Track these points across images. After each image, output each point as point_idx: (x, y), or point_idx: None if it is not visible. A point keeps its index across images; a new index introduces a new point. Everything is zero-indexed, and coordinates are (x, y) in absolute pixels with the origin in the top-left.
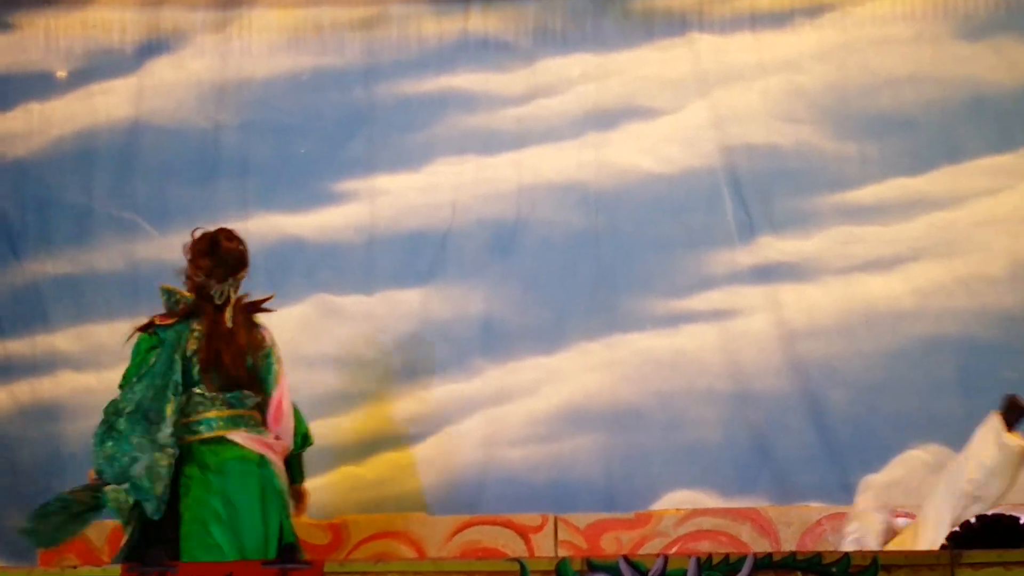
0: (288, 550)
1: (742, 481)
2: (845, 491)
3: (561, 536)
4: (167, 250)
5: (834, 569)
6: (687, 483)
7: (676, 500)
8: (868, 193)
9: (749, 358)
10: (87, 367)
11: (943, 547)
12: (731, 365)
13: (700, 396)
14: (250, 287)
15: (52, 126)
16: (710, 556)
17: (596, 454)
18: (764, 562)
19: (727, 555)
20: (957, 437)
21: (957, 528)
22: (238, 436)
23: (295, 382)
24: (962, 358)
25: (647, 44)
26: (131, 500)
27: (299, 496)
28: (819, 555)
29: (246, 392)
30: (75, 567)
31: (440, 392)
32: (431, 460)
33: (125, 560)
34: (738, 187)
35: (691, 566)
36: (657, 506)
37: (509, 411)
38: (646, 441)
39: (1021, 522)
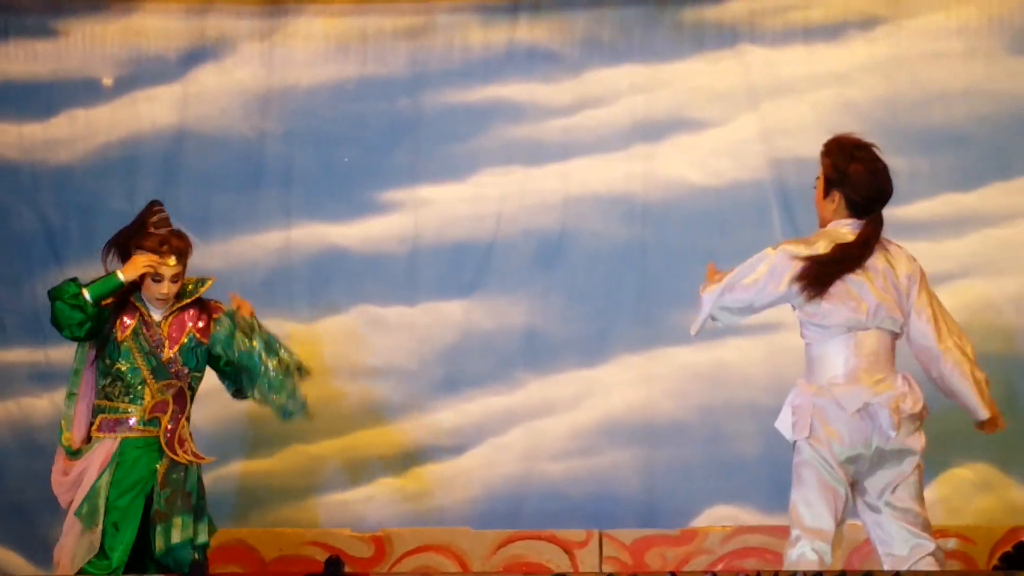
0: (332, 562)
1: (783, 497)
2: None
3: (606, 552)
4: (210, 258)
5: None
6: (728, 499)
7: (717, 516)
8: (918, 209)
9: (793, 373)
10: None
11: (995, 567)
12: (775, 379)
13: (742, 410)
14: (293, 297)
15: (96, 133)
16: (758, 573)
17: (637, 469)
18: None
19: (775, 573)
20: (1003, 456)
21: (1009, 549)
22: None
23: (336, 393)
24: (1008, 376)
25: (697, 56)
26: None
27: None
28: (869, 573)
29: None
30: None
31: (482, 404)
32: (472, 473)
33: None
34: (787, 201)
35: None
36: (698, 522)
37: (550, 424)
38: (687, 456)
39: None
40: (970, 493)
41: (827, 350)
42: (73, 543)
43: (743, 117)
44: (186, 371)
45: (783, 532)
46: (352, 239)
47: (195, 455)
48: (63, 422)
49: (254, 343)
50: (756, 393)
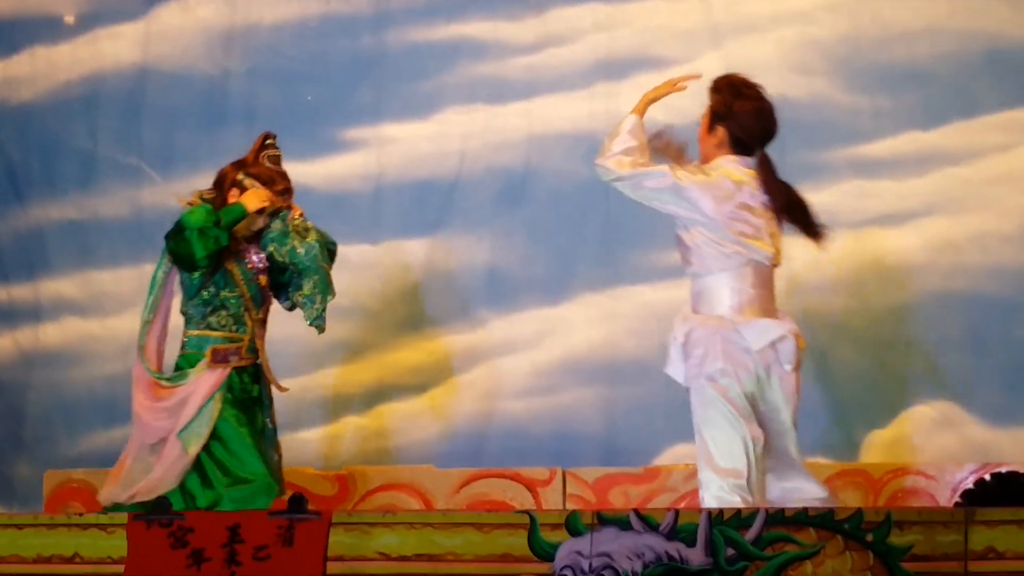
0: (295, 500)
1: None
2: (850, 448)
3: (569, 490)
4: (171, 197)
5: (846, 525)
6: (689, 437)
7: (679, 454)
8: (881, 147)
9: None
10: (91, 313)
11: (956, 504)
12: None
13: None
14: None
15: (58, 71)
16: (721, 511)
17: (599, 407)
18: (776, 517)
19: (738, 510)
20: (966, 394)
21: (970, 486)
22: None
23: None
24: (971, 314)
25: None
26: None
27: None
28: (831, 511)
29: None
30: (81, 514)
31: (445, 343)
32: (435, 411)
33: None
34: None
35: (702, 521)
36: (660, 460)
37: (513, 362)
38: (650, 394)
39: None
40: (931, 431)
41: (721, 281)
42: (168, 466)
43: (706, 55)
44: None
45: None
46: (315, 177)
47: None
48: (141, 351)
49: (309, 239)
50: None
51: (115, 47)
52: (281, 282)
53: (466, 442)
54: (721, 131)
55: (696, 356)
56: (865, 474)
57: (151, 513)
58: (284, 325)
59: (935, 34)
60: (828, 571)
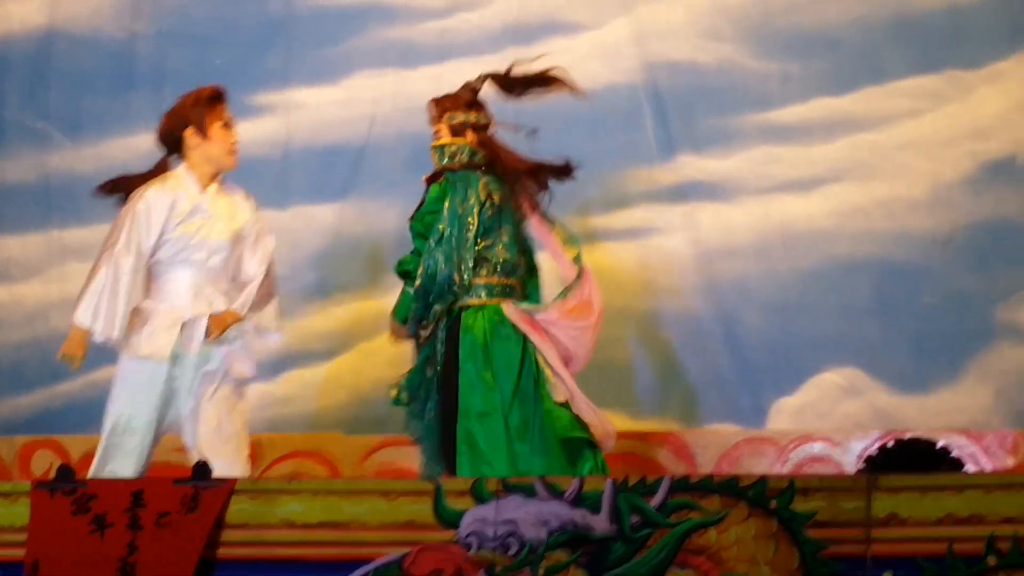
0: (200, 468)
1: (652, 402)
2: (758, 414)
3: None
4: (80, 161)
5: (750, 492)
6: (598, 403)
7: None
8: (790, 113)
9: (664, 277)
10: None
11: (859, 471)
12: (645, 284)
13: (613, 314)
14: None
15: None
16: (626, 478)
17: None
18: (681, 484)
19: (643, 477)
20: (872, 361)
21: (874, 452)
22: (508, 308)
23: None
24: (880, 281)
25: None
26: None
27: None
28: (735, 478)
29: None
30: None
31: (352, 309)
32: (342, 378)
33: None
34: (659, 105)
35: (607, 488)
36: None
37: None
38: None
39: (938, 446)
40: (838, 397)
41: None
42: None
43: (616, 20)
44: None
45: (653, 438)
46: None
47: None
48: None
49: None
50: (627, 298)
51: (22, 9)
52: None
53: (374, 410)
54: None
55: None
56: (772, 441)
57: (54, 481)
58: None
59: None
60: (732, 538)
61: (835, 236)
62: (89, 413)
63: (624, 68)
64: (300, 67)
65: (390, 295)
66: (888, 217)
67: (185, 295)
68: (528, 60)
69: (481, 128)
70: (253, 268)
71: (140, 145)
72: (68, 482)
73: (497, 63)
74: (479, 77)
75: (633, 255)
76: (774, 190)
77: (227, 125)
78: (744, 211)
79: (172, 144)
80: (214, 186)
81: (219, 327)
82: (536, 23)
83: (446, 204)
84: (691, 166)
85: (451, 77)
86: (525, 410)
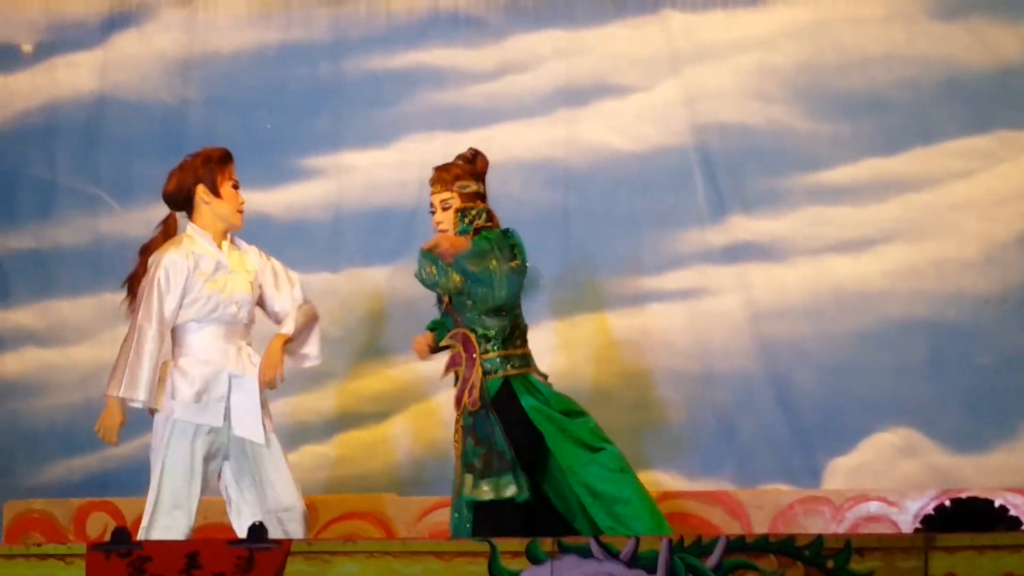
0: (255, 529)
1: (707, 463)
2: (812, 474)
3: None
4: (130, 225)
5: (807, 552)
6: (652, 464)
7: (642, 481)
8: (840, 174)
9: (716, 338)
10: (51, 343)
11: (916, 530)
12: (698, 345)
13: (666, 376)
14: None
15: (16, 99)
16: (682, 538)
17: None
18: (736, 544)
19: (699, 537)
20: (926, 421)
21: (931, 512)
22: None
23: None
24: (933, 341)
25: (619, 21)
26: None
27: None
28: (792, 537)
29: None
30: (40, 544)
31: (405, 370)
32: (397, 439)
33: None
34: (709, 166)
35: (663, 548)
36: None
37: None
38: (611, 421)
39: (995, 505)
40: (893, 457)
41: None
42: None
43: (666, 82)
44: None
45: (708, 497)
46: (275, 206)
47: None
48: None
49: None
50: (679, 359)
51: (73, 76)
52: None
53: (428, 470)
54: None
55: None
56: (827, 501)
57: (110, 543)
58: None
59: (894, 61)
60: None
61: (888, 296)
62: (143, 475)
63: (674, 129)
64: (350, 130)
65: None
66: (940, 277)
67: (223, 351)
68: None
69: (484, 198)
70: (286, 299)
71: None
72: (123, 544)
73: (548, 125)
74: (470, 150)
75: (685, 316)
76: (826, 250)
77: (235, 186)
78: (796, 272)
79: (180, 202)
80: (226, 243)
81: (274, 367)
82: (586, 85)
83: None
84: (742, 227)
85: (501, 139)
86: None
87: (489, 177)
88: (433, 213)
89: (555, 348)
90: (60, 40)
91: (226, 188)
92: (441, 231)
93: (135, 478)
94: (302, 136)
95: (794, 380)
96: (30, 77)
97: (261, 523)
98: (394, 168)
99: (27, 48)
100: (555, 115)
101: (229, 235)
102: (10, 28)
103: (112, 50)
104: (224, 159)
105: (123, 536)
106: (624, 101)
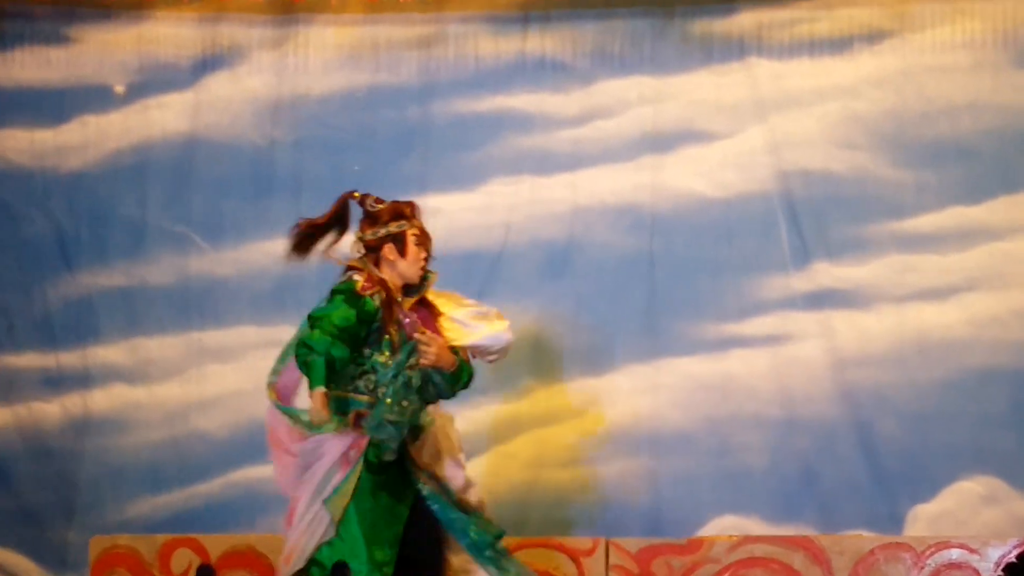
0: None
1: (788, 508)
2: (894, 521)
3: (612, 560)
4: (219, 265)
5: None
6: (734, 509)
7: (722, 526)
8: (925, 221)
9: (799, 385)
10: (138, 381)
11: None
12: (781, 391)
13: (748, 422)
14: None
15: (108, 139)
16: None
17: (643, 477)
18: None
19: None
20: (1009, 469)
21: (1013, 559)
22: None
23: None
24: (1016, 390)
25: (705, 68)
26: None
27: None
28: None
29: None
30: None
31: (489, 412)
32: (479, 480)
33: None
34: (793, 213)
35: None
36: (704, 531)
37: (557, 432)
38: (693, 466)
39: None
40: (976, 505)
41: None
42: (307, 532)
43: (750, 129)
44: None
45: (789, 542)
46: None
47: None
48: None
49: None
50: (762, 405)
51: (164, 116)
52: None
53: (511, 512)
54: None
55: None
56: (908, 547)
57: None
58: None
59: (979, 109)
60: None
61: (971, 345)
62: (227, 512)
63: (759, 176)
64: (437, 173)
65: (527, 398)
66: (1023, 326)
67: None
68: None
69: None
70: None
71: (279, 250)
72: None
73: (633, 171)
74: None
75: (768, 362)
76: (909, 298)
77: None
78: (879, 319)
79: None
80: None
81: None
82: (672, 131)
83: None
84: (826, 274)
85: (586, 184)
86: None
87: (575, 220)
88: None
89: (639, 392)
90: (152, 81)
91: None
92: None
93: (219, 515)
94: (389, 178)
95: (876, 427)
96: (122, 118)
97: (345, 563)
98: (479, 211)
99: (119, 89)
100: (640, 160)
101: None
102: (103, 70)
103: (203, 91)
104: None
105: (208, 573)
106: (709, 147)
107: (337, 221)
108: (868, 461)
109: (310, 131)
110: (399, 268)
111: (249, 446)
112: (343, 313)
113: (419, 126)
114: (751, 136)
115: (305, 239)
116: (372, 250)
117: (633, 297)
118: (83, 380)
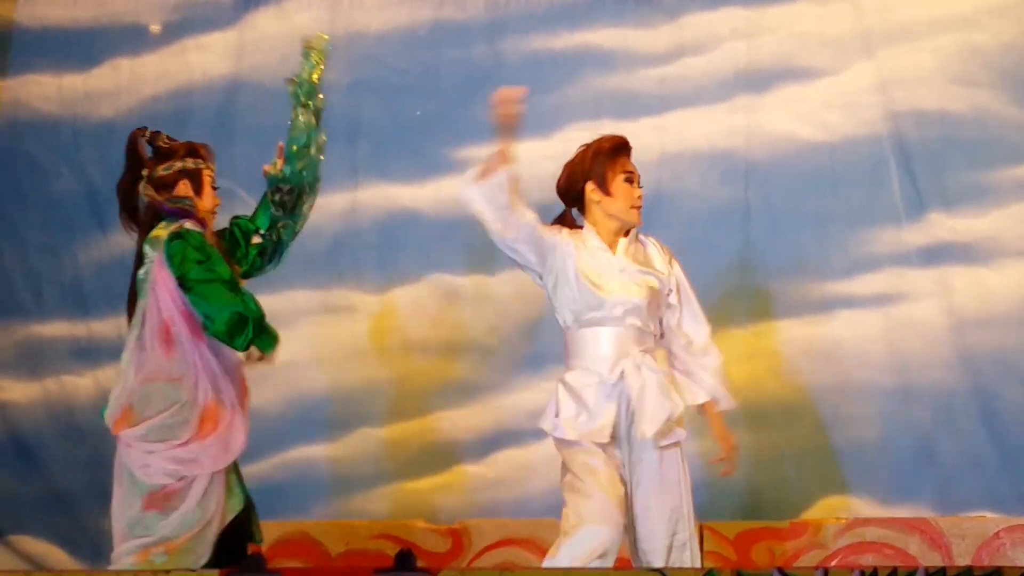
0: (403, 557)
1: (903, 487)
2: (1021, 501)
3: (707, 546)
4: None
5: None
6: (842, 489)
7: (829, 507)
8: None
9: (914, 349)
10: None
11: None
12: (894, 357)
13: (858, 391)
14: (360, 265)
15: (143, 84)
16: (875, 570)
17: (741, 454)
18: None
19: (895, 569)
20: None
21: None
22: None
23: (408, 371)
24: None
25: None
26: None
27: None
28: (999, 570)
29: None
30: (168, 572)
31: None
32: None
33: None
34: (906, 158)
35: None
36: (809, 514)
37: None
38: (797, 441)
39: None
40: None
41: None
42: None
43: (857, 66)
44: None
45: (904, 525)
46: (425, 201)
47: None
48: None
49: None
50: (873, 373)
51: (204, 58)
52: None
53: None
54: None
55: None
56: None
57: (242, 570)
58: (386, 363)
59: None
60: None
61: None
62: (280, 497)
63: (866, 118)
64: None
65: None
66: None
67: (607, 358)
68: None
69: None
70: (691, 324)
71: (333, 205)
72: (259, 570)
73: (726, 113)
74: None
75: (879, 325)
76: None
77: (630, 179)
78: (1003, 275)
79: (572, 199)
80: (623, 241)
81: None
82: (769, 68)
83: None
84: (943, 225)
85: (674, 128)
86: None
87: (663, 168)
88: None
89: (735, 359)
90: (191, 19)
91: (617, 183)
92: None
93: (271, 500)
94: (455, 125)
95: (1001, 396)
96: (158, 60)
97: (409, 550)
98: (557, 160)
99: (155, 28)
100: (734, 101)
101: (630, 233)
102: (137, 6)
103: (247, 30)
104: (615, 150)
105: (258, 561)
106: (810, 86)
107: (136, 164)
108: (991, 434)
109: (367, 72)
110: None
111: (303, 423)
112: (209, 265)
113: (488, 66)
114: (857, 73)
115: (127, 198)
116: (165, 187)
117: (728, 253)
118: (118, 351)
